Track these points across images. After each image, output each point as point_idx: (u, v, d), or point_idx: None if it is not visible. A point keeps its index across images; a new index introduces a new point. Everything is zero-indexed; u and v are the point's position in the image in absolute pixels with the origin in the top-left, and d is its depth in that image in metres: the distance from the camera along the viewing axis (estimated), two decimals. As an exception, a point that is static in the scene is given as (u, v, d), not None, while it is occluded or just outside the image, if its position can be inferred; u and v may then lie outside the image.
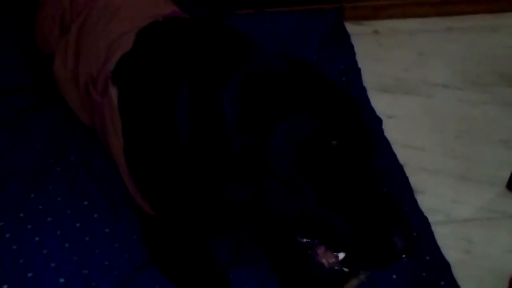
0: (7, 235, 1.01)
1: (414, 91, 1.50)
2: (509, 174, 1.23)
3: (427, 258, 1.04)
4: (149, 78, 0.91)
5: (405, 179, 1.21)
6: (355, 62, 1.49)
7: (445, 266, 1.04)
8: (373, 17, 1.72)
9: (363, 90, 1.42)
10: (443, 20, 1.73)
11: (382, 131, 1.34)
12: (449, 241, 1.12)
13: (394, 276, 0.98)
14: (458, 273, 1.05)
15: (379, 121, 1.36)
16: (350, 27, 1.67)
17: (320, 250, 0.79)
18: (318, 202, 0.74)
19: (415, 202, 1.16)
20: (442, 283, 1.00)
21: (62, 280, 0.95)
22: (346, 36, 1.56)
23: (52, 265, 0.97)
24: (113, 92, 0.94)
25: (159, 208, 0.93)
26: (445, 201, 1.22)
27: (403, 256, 0.72)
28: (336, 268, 0.79)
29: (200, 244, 0.99)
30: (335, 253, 0.79)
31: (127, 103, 0.92)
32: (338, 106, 0.79)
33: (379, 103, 1.44)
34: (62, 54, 1.13)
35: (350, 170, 0.75)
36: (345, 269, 0.79)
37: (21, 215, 1.05)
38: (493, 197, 1.24)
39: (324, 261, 0.79)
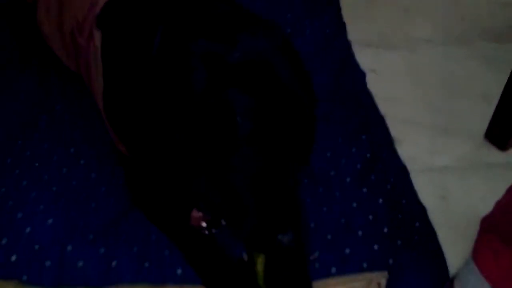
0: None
1: (397, 47, 1.53)
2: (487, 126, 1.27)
3: (404, 201, 1.08)
4: (129, 22, 0.93)
5: (386, 129, 1.24)
6: (340, 16, 1.50)
7: (420, 209, 1.07)
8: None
9: (348, 43, 1.44)
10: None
11: (365, 85, 1.36)
12: (426, 188, 1.15)
13: (370, 217, 1.02)
14: (433, 217, 1.09)
15: (362, 74, 1.38)
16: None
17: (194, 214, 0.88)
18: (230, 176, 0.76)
19: (394, 151, 1.19)
20: (417, 224, 1.04)
21: (50, 221, 0.98)
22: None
23: (40, 207, 1.00)
24: (97, 36, 0.96)
25: (133, 149, 0.96)
26: (424, 150, 1.26)
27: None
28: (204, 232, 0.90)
29: (179, 188, 1.01)
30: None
31: (109, 46, 0.94)
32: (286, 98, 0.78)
33: (363, 57, 1.46)
34: (45, 3, 1.13)
35: (272, 164, 0.76)
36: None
37: (8, 160, 1.08)
38: (471, 148, 1.28)
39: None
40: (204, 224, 0.89)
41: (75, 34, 1.05)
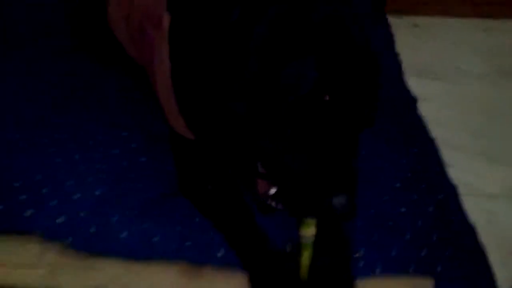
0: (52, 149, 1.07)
1: (445, 78, 1.56)
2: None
3: (453, 218, 1.05)
4: (201, 5, 0.95)
5: (436, 150, 1.23)
6: (393, 46, 1.53)
7: (470, 228, 1.05)
8: (412, 12, 1.76)
9: (401, 71, 1.45)
10: (481, 21, 1.78)
11: (416, 109, 1.36)
12: (472, 212, 1.12)
13: (419, 223, 0.99)
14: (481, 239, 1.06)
15: (413, 100, 1.38)
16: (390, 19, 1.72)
17: (260, 181, 0.85)
18: (287, 144, 0.77)
19: (444, 170, 1.17)
20: (466, 241, 1.01)
21: (98, 192, 1.00)
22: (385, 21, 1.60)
23: (90, 179, 1.01)
24: (166, 19, 0.99)
25: (197, 130, 0.97)
26: (471, 176, 1.24)
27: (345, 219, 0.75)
28: (267, 201, 0.85)
29: (228, 177, 1.01)
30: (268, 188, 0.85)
31: (177, 28, 0.97)
32: (356, 65, 0.79)
33: (411, 86, 1.47)
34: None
35: (330, 128, 0.77)
36: (273, 204, 0.85)
37: (65, 136, 1.10)
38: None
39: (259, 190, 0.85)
40: (272, 191, 0.85)
41: (144, 24, 1.10)
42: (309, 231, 0.88)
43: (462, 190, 1.17)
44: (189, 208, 1.00)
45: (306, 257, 0.88)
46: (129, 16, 1.16)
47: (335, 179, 0.73)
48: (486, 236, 1.07)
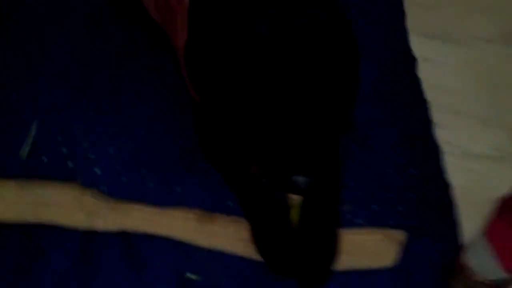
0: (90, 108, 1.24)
1: (454, 41, 1.59)
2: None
3: (433, 176, 1.21)
4: None
5: (427, 112, 1.34)
6: (401, 3, 1.59)
7: (446, 186, 1.20)
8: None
9: (405, 32, 1.54)
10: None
11: (414, 70, 1.46)
12: (457, 171, 1.25)
13: (401, 183, 1.16)
14: (460, 197, 1.20)
15: (413, 59, 1.47)
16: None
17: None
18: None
19: (432, 132, 1.30)
20: (440, 197, 1.17)
21: (129, 147, 1.18)
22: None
23: (124, 137, 1.19)
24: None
25: (205, 97, 1.07)
26: (463, 137, 1.35)
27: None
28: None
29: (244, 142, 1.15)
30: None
31: (194, 5, 1.06)
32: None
33: (418, 45, 1.53)
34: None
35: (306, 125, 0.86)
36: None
37: (104, 99, 1.26)
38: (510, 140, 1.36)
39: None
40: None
41: None
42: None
43: (451, 151, 1.30)
44: (207, 163, 1.17)
45: (295, 214, 1.06)
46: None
47: (299, 162, 0.85)
48: (465, 195, 1.21)
